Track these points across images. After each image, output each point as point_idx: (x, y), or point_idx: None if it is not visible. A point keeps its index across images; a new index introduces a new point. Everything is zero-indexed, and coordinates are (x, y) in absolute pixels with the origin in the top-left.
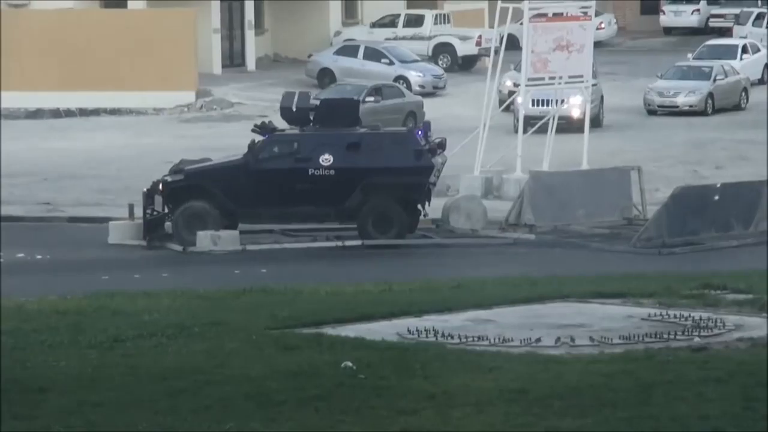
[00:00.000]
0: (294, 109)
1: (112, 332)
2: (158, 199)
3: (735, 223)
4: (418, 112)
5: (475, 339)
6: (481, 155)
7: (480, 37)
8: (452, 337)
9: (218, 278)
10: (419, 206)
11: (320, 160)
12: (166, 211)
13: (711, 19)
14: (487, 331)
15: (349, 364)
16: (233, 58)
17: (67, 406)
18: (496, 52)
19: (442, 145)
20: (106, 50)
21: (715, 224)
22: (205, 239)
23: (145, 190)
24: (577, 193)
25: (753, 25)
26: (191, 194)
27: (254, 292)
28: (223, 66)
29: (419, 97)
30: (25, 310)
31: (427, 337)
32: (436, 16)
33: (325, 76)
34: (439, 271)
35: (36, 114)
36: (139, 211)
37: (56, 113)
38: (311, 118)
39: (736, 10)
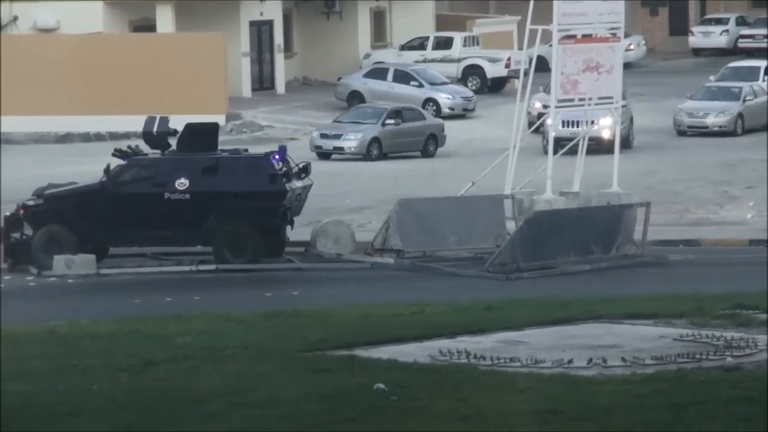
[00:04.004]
0: (154, 134)
1: (143, 355)
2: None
3: (595, 247)
4: (439, 135)
5: (507, 360)
6: (512, 177)
7: (509, 58)
8: (484, 359)
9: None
10: (282, 230)
11: (176, 185)
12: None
13: (740, 40)
14: (518, 352)
15: (382, 386)
16: (263, 82)
17: (99, 431)
18: (526, 73)
19: (306, 170)
20: (136, 75)
21: (574, 249)
22: (59, 263)
23: (7, 213)
24: (448, 219)
25: None
26: (49, 218)
27: (284, 315)
28: (253, 89)
29: (440, 120)
30: (56, 334)
31: (459, 358)
32: (465, 38)
33: (355, 99)
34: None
35: (65, 138)
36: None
37: (86, 137)
38: (173, 142)
39: (765, 31)
